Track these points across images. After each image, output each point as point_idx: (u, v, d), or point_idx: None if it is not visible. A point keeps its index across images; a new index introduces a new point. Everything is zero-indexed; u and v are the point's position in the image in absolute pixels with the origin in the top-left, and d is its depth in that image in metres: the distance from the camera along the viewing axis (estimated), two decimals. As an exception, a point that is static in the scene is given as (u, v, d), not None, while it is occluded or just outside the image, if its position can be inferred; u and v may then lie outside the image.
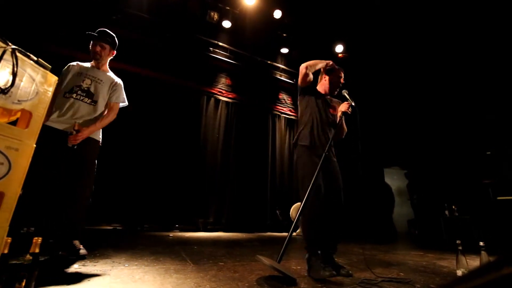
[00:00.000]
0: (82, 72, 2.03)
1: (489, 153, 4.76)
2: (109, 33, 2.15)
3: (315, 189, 1.78)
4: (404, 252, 3.09)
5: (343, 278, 1.69)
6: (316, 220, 1.82)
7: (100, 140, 2.10)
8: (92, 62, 2.15)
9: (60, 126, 1.87)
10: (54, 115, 1.88)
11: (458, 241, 1.78)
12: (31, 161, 1.61)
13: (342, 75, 2.28)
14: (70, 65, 2.07)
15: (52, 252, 1.77)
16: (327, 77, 2.28)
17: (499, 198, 4.26)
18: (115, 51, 2.22)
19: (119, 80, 2.21)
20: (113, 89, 2.15)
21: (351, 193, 5.82)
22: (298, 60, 6.17)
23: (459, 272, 1.77)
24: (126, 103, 2.25)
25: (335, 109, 2.21)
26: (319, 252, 1.78)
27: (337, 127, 2.10)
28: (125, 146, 4.05)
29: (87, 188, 1.97)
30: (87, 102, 1.99)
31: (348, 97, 2.13)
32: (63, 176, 1.88)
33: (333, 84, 2.24)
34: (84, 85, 2.00)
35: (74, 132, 1.84)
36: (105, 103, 2.11)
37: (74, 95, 1.95)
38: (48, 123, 1.84)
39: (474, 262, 2.43)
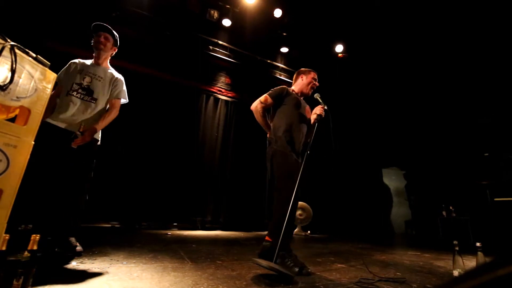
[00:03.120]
0: (83, 70, 2.03)
1: (487, 154, 4.78)
2: (112, 29, 2.16)
3: (295, 191, 1.79)
4: (401, 252, 3.10)
5: (341, 277, 1.70)
6: (293, 221, 1.92)
7: (99, 140, 2.09)
8: (93, 59, 2.13)
9: (61, 125, 1.87)
10: (56, 113, 1.88)
11: (455, 242, 1.78)
12: (30, 158, 1.63)
13: (317, 78, 2.37)
14: (71, 62, 2.05)
15: (48, 249, 1.75)
16: (304, 77, 2.34)
17: (496, 199, 4.29)
18: (117, 49, 2.22)
19: (120, 76, 2.17)
20: (113, 85, 2.11)
21: (350, 193, 5.85)
22: (298, 60, 6.23)
23: (456, 273, 1.78)
24: (127, 100, 2.21)
25: (308, 111, 2.28)
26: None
27: (311, 130, 2.18)
28: (124, 145, 4.04)
29: (85, 186, 1.98)
30: (87, 100, 1.98)
31: (320, 100, 2.19)
32: (61, 174, 1.86)
33: (310, 85, 2.31)
34: (85, 83, 1.99)
35: (80, 134, 1.82)
36: (106, 100, 2.07)
37: (74, 93, 1.94)
38: (49, 120, 1.85)
39: (470, 262, 2.45)
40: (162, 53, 4.73)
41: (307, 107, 2.31)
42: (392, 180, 7.05)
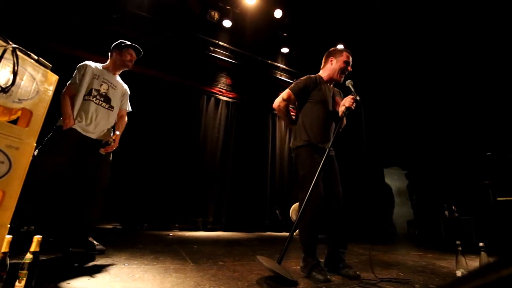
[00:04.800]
0: (99, 75, 2.04)
1: (489, 154, 4.76)
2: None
3: (316, 191, 1.71)
4: (404, 252, 3.09)
5: (342, 278, 1.69)
6: (314, 223, 1.79)
7: None
8: (106, 64, 2.15)
9: (92, 135, 1.97)
10: (82, 123, 1.91)
11: (457, 242, 1.78)
12: (56, 162, 1.79)
13: (351, 60, 2.02)
14: (87, 64, 2.02)
15: (65, 249, 1.86)
16: (334, 61, 2.02)
17: (498, 199, 4.26)
18: None
19: (128, 88, 2.29)
20: (125, 96, 2.23)
21: (351, 193, 5.84)
22: (298, 60, 6.22)
23: (459, 273, 1.77)
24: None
25: (338, 103, 1.99)
26: (316, 253, 1.77)
27: (339, 123, 1.87)
28: (125, 145, 4.03)
29: (103, 189, 2.10)
30: (105, 107, 2.03)
31: (352, 89, 1.88)
32: (85, 179, 1.98)
33: (341, 70, 1.99)
34: (102, 90, 2.04)
35: (112, 142, 1.98)
36: (118, 109, 2.17)
37: (94, 99, 1.97)
38: (78, 129, 1.89)
39: (473, 262, 2.43)
40: (163, 54, 4.74)
41: (337, 98, 2.03)
42: (394, 180, 7.03)
